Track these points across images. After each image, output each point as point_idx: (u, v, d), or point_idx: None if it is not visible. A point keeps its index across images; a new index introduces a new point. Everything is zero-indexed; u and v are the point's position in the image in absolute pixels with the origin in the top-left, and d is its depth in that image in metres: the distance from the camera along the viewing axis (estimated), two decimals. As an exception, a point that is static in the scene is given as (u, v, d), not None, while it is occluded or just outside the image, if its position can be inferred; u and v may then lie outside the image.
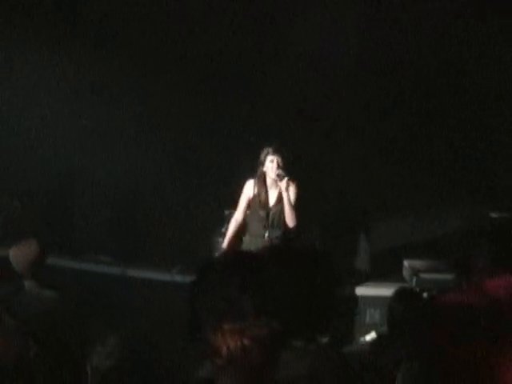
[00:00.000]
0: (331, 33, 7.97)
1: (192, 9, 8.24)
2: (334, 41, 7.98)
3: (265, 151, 6.54)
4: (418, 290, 6.25)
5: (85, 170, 8.69)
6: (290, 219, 6.57)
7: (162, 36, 8.41)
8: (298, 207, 6.59)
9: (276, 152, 6.49)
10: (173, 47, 8.41)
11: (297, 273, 2.43)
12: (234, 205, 7.02)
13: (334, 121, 8.25)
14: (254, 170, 6.74)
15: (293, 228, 6.58)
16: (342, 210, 7.95)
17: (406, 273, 6.86)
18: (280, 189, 6.56)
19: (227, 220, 7.21)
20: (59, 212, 8.62)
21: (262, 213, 6.67)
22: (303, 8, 8.16)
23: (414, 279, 6.60)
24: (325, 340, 2.57)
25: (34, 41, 8.50)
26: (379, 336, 5.06)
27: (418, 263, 6.81)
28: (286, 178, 6.41)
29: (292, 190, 6.57)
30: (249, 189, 6.73)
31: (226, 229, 7.02)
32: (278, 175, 6.44)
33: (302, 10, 8.17)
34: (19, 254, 4.99)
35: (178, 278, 7.48)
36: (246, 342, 2.06)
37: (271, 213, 6.65)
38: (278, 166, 6.46)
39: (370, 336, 5.42)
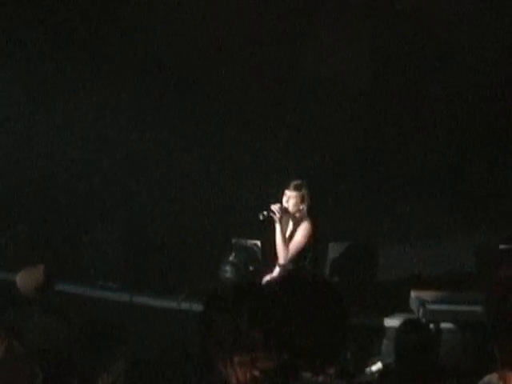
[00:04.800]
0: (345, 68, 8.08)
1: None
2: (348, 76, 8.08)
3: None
4: (424, 321, 6.23)
5: (95, 197, 8.72)
6: (279, 254, 6.56)
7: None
8: (303, 245, 6.54)
9: (293, 188, 6.50)
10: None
11: (306, 304, 2.43)
12: (241, 233, 7.01)
13: (345, 150, 8.29)
14: (260, 198, 6.78)
15: (284, 263, 6.53)
16: (350, 240, 7.93)
17: (412, 304, 6.82)
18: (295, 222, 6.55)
19: (234, 248, 7.20)
20: (67, 238, 8.63)
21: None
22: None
23: (421, 310, 6.56)
24: (332, 371, 2.56)
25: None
26: (385, 367, 5.03)
27: (425, 294, 6.77)
28: (277, 214, 6.37)
29: (303, 226, 6.55)
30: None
31: (234, 257, 7.01)
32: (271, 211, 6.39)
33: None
34: (26, 279, 5.00)
35: (185, 305, 7.47)
36: (255, 373, 2.06)
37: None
38: (291, 203, 6.46)
39: (377, 367, 5.38)
